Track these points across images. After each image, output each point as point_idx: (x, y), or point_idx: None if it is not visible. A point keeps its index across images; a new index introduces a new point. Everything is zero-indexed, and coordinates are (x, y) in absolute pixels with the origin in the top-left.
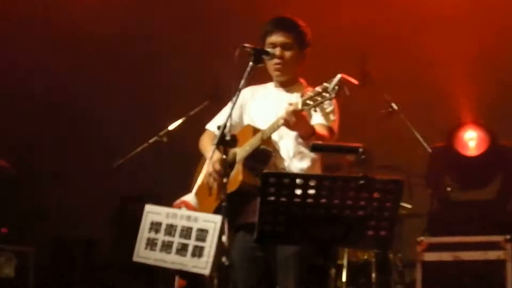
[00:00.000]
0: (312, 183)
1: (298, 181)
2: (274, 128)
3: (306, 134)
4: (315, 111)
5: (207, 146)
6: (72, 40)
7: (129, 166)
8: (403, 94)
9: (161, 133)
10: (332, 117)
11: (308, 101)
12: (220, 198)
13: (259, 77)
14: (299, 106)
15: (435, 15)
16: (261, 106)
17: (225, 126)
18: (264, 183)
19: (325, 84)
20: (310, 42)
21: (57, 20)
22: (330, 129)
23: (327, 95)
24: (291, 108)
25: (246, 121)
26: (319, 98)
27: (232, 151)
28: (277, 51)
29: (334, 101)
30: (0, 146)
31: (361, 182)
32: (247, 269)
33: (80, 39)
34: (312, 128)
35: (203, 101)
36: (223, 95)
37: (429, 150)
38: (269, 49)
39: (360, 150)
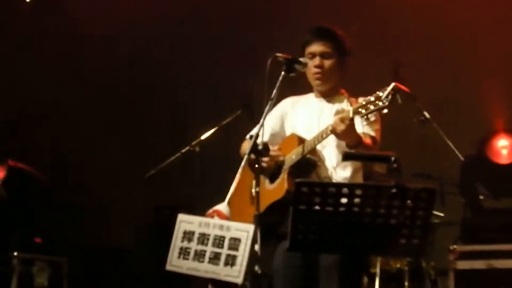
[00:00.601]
0: (344, 192)
1: (330, 189)
2: (322, 137)
3: (353, 143)
4: (367, 119)
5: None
6: (106, 54)
7: (162, 176)
8: (436, 102)
9: (193, 143)
10: (376, 126)
11: (360, 109)
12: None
13: (294, 86)
14: (350, 114)
15: (466, 22)
16: (302, 116)
17: (257, 135)
18: (297, 192)
19: (378, 92)
20: (350, 51)
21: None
22: (373, 138)
23: (380, 103)
24: (340, 115)
25: (287, 131)
26: (371, 107)
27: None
28: (317, 60)
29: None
30: (34, 156)
31: (394, 190)
32: (289, 278)
33: (112, 52)
34: (359, 137)
35: (235, 111)
36: (255, 104)
37: (462, 158)
38: (302, 59)
39: (392, 158)
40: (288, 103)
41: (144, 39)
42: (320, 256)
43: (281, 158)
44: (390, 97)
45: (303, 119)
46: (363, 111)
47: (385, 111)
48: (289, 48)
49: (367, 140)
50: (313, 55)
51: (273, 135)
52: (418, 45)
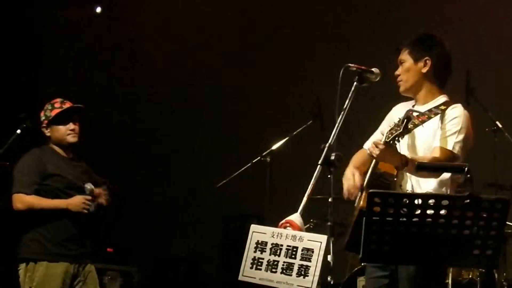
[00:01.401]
0: (417, 202)
1: (403, 200)
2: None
3: (397, 164)
4: (397, 142)
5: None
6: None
7: (232, 186)
8: (508, 111)
9: (264, 153)
10: (454, 139)
11: (388, 134)
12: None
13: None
14: (383, 139)
15: None
16: None
17: (330, 146)
18: (370, 202)
19: (399, 117)
20: (431, 53)
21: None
22: (447, 152)
23: (399, 129)
24: (374, 141)
25: None
26: (393, 132)
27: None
28: (399, 70)
29: (464, 121)
30: (106, 168)
31: (467, 201)
32: None
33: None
34: (401, 157)
35: (306, 121)
36: (327, 115)
37: None
38: (374, 69)
39: (465, 169)
40: (395, 109)
41: (212, 45)
42: (398, 268)
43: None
44: (404, 123)
45: None
46: (390, 135)
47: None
48: (362, 58)
49: (435, 154)
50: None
51: None
52: (491, 53)
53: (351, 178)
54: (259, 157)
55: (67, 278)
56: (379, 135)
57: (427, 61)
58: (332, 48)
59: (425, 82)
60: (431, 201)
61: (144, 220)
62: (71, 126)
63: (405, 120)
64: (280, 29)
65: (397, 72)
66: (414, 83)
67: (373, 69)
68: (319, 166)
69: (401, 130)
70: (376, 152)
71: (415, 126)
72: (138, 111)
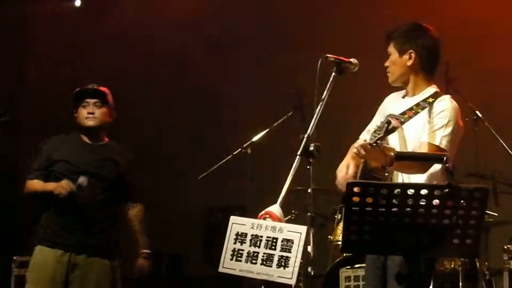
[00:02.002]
0: (396, 192)
1: (383, 190)
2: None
3: (384, 164)
4: (432, 127)
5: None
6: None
7: (214, 178)
8: (487, 101)
9: (245, 145)
10: (441, 133)
11: (372, 136)
12: None
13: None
14: (368, 140)
15: None
16: None
17: (308, 136)
18: (349, 192)
19: (381, 120)
20: (415, 46)
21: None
22: (432, 146)
23: (380, 133)
24: (361, 143)
25: None
26: (376, 135)
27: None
28: (386, 63)
29: (451, 114)
30: None
31: (446, 190)
32: (369, 278)
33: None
34: (387, 158)
35: (286, 112)
36: (307, 106)
37: None
38: (352, 59)
39: (444, 158)
40: (387, 100)
41: (194, 40)
42: (387, 258)
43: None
44: (385, 127)
45: None
46: (373, 138)
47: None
48: (340, 48)
49: (423, 150)
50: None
51: None
52: (469, 44)
53: (343, 169)
54: (240, 149)
55: (61, 266)
56: (372, 124)
57: (412, 54)
58: (312, 38)
59: (412, 74)
60: (410, 191)
61: None
62: (89, 109)
63: (386, 124)
64: (261, 20)
65: (385, 64)
66: (400, 76)
67: (351, 60)
68: (298, 156)
69: (382, 134)
70: (362, 153)
71: (402, 123)
72: (119, 104)
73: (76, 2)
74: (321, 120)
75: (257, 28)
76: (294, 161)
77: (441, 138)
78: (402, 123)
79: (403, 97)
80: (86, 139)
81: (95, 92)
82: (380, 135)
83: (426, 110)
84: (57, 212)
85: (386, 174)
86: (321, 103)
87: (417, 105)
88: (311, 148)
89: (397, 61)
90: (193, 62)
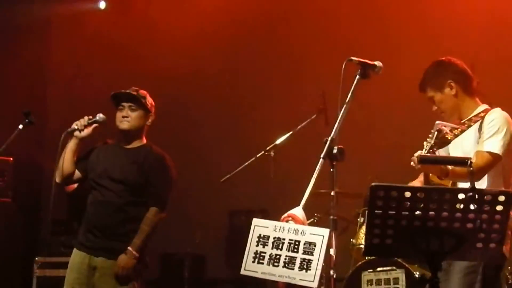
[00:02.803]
0: (420, 196)
1: (406, 194)
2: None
3: (437, 174)
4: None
5: None
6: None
7: (237, 180)
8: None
9: (268, 147)
10: (491, 140)
11: (425, 145)
12: None
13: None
14: (423, 152)
15: None
16: None
17: (332, 139)
18: (372, 195)
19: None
20: (450, 75)
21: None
22: (483, 154)
23: (431, 142)
24: (418, 155)
25: None
26: (427, 144)
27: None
28: (434, 107)
29: (501, 122)
30: None
31: (470, 194)
32: None
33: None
34: (440, 168)
35: (310, 115)
36: (330, 109)
37: None
38: (377, 62)
39: (468, 162)
40: None
41: (218, 46)
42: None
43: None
44: (435, 136)
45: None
46: (427, 147)
47: (434, 148)
48: (366, 51)
49: (474, 160)
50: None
51: None
52: (490, 44)
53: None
54: (263, 152)
55: (83, 268)
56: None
57: (451, 84)
58: (336, 41)
59: (459, 102)
60: (433, 195)
61: None
62: (124, 112)
63: (436, 133)
64: (285, 22)
65: (434, 109)
66: (452, 109)
67: (375, 63)
68: (321, 159)
69: (432, 143)
70: (418, 166)
71: (455, 136)
72: None
73: (101, 4)
74: (345, 123)
75: (284, 29)
76: (317, 164)
77: (491, 145)
78: (454, 134)
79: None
80: (121, 142)
81: (129, 97)
82: (431, 144)
83: (478, 123)
84: (87, 215)
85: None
86: (345, 106)
87: (469, 119)
88: (335, 151)
89: (442, 99)
90: (218, 63)
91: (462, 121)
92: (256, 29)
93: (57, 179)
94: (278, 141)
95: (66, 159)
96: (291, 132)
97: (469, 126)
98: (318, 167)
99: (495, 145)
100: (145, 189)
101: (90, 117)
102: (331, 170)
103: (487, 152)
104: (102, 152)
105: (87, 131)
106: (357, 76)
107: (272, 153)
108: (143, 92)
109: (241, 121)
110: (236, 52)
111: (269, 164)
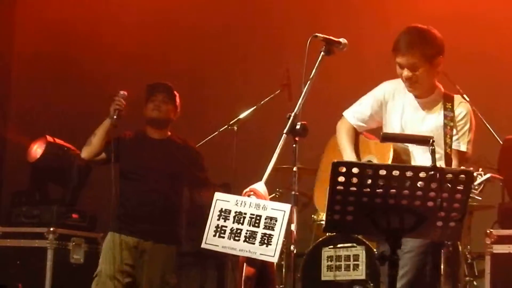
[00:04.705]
0: (382, 173)
1: (367, 170)
2: None
3: None
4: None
5: (342, 139)
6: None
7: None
8: (474, 85)
9: (231, 122)
10: (466, 138)
11: None
12: None
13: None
14: None
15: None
16: (399, 112)
17: (295, 115)
18: (334, 172)
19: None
20: (440, 50)
21: None
22: (462, 153)
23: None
24: None
25: (385, 122)
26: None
27: (366, 158)
28: (405, 72)
29: (470, 117)
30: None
31: (431, 172)
32: None
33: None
34: None
35: (274, 91)
36: (294, 84)
37: (501, 142)
38: (342, 39)
39: (430, 141)
40: (389, 89)
41: (189, 21)
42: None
43: (371, 160)
44: (482, 186)
45: (398, 116)
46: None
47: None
48: (331, 28)
49: (455, 158)
50: (401, 67)
51: (370, 116)
52: (456, 28)
53: None
54: (226, 126)
55: (128, 252)
56: (365, 109)
57: (441, 59)
58: (301, 18)
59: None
60: (395, 172)
61: (111, 186)
62: (155, 102)
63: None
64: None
65: (405, 74)
66: (429, 87)
67: (340, 40)
68: (284, 135)
69: (475, 192)
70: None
71: None
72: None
73: None
74: (309, 99)
75: (249, 5)
76: (279, 140)
77: (468, 145)
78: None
79: (415, 96)
80: (151, 133)
81: (166, 88)
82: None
83: (443, 107)
84: (124, 201)
85: None
86: (308, 82)
87: (446, 117)
88: (298, 127)
89: (428, 71)
90: (183, 35)
91: (443, 124)
92: (221, 2)
93: (83, 154)
94: (241, 116)
95: (98, 137)
96: (254, 107)
97: (452, 128)
98: (281, 142)
99: (469, 145)
100: (183, 178)
101: (123, 92)
102: (294, 145)
103: (463, 152)
104: (134, 143)
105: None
106: (322, 53)
107: (235, 128)
108: (175, 91)
109: (205, 95)
110: (201, 25)
111: (232, 139)
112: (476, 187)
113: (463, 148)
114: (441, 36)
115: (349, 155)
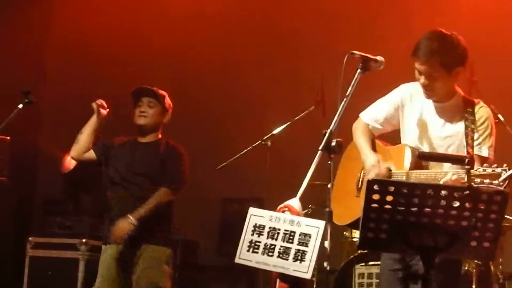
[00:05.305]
0: (417, 192)
1: (403, 189)
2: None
3: None
4: (477, 139)
5: (359, 138)
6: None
7: (233, 169)
8: (509, 104)
9: (265, 137)
10: (488, 143)
11: (475, 179)
12: None
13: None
14: (465, 179)
15: None
16: (417, 115)
17: (331, 131)
18: (369, 190)
19: (497, 170)
20: (462, 60)
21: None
22: (483, 159)
23: (496, 182)
24: (455, 179)
25: (402, 125)
26: (485, 181)
27: (385, 165)
28: (422, 79)
29: (492, 121)
30: None
31: (466, 192)
32: (388, 280)
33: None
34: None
35: (309, 107)
36: (329, 101)
37: None
38: (379, 57)
39: (466, 160)
40: (406, 93)
41: (218, 36)
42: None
43: (389, 166)
44: (506, 182)
45: (416, 119)
46: (477, 180)
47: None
48: (366, 45)
49: (477, 163)
50: (419, 72)
51: (386, 119)
52: (493, 45)
53: (377, 165)
54: (260, 141)
55: (116, 261)
56: (381, 111)
57: (461, 69)
58: (336, 33)
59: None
60: (430, 191)
61: None
62: (141, 108)
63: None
64: (285, 10)
65: (421, 82)
66: (447, 93)
67: (377, 57)
68: (319, 151)
69: (498, 187)
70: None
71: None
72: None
73: None
74: (344, 116)
75: (284, 17)
76: (312, 156)
77: (490, 150)
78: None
79: (435, 101)
80: (138, 137)
81: (149, 92)
82: (492, 185)
83: (465, 114)
84: (110, 211)
85: None
86: (345, 99)
87: (466, 120)
88: (333, 144)
89: (446, 80)
90: (217, 53)
91: (465, 128)
92: (254, 17)
93: (72, 153)
94: (275, 131)
95: (85, 134)
96: (289, 123)
97: (472, 130)
98: (316, 159)
99: (491, 150)
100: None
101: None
102: (329, 162)
103: (485, 157)
104: (120, 148)
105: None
106: (358, 70)
107: (269, 143)
108: (162, 92)
109: (239, 110)
110: (234, 41)
111: (265, 154)
112: (501, 183)
113: (485, 153)
114: (465, 44)
115: (367, 154)
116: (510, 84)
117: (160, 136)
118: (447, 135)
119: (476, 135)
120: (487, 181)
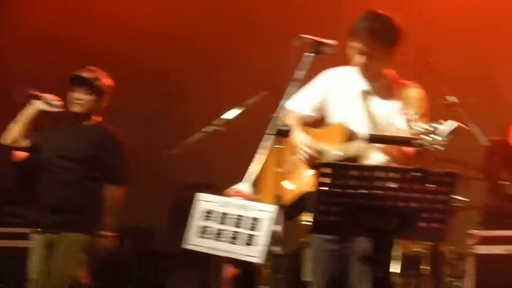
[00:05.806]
0: (366, 174)
1: (352, 172)
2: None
3: (399, 163)
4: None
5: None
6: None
7: (184, 155)
8: (461, 86)
9: (218, 122)
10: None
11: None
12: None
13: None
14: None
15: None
16: (346, 96)
17: (279, 116)
18: (319, 173)
19: (437, 126)
20: (399, 39)
21: None
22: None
23: (438, 138)
24: None
25: (331, 110)
26: (427, 138)
27: (318, 147)
28: (363, 59)
29: (424, 103)
30: None
31: (416, 174)
32: (322, 260)
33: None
34: (405, 154)
35: (261, 91)
36: (281, 86)
37: (486, 143)
38: (329, 41)
39: (418, 142)
40: (335, 76)
41: (172, 19)
42: (352, 241)
43: (322, 148)
44: (451, 137)
45: (346, 101)
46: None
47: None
48: (317, 29)
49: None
50: (359, 52)
51: (319, 105)
52: (444, 30)
53: (311, 145)
54: (213, 126)
55: (43, 248)
56: (313, 98)
57: (396, 48)
58: (290, 18)
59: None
60: (379, 173)
61: None
62: (77, 95)
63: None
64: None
65: (359, 60)
66: (380, 71)
67: (328, 41)
68: (266, 135)
69: (443, 141)
70: (393, 153)
71: None
72: None
73: None
74: None
75: (235, 5)
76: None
77: None
78: None
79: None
80: (72, 121)
81: (85, 82)
82: (435, 141)
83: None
84: (41, 196)
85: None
86: (294, 83)
87: (400, 98)
88: (281, 128)
89: (383, 59)
90: (170, 33)
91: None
92: (208, 4)
93: (4, 140)
94: (228, 116)
95: (21, 123)
96: (243, 108)
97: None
98: (265, 143)
99: None
100: (97, 163)
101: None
102: (277, 146)
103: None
104: (53, 132)
105: (50, 108)
106: (308, 54)
107: (222, 128)
108: (99, 73)
109: (192, 94)
110: (187, 24)
111: (218, 139)
112: (445, 138)
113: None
114: (401, 23)
115: (298, 134)
116: (466, 67)
117: (97, 119)
118: (384, 114)
119: (411, 114)
120: (432, 137)
